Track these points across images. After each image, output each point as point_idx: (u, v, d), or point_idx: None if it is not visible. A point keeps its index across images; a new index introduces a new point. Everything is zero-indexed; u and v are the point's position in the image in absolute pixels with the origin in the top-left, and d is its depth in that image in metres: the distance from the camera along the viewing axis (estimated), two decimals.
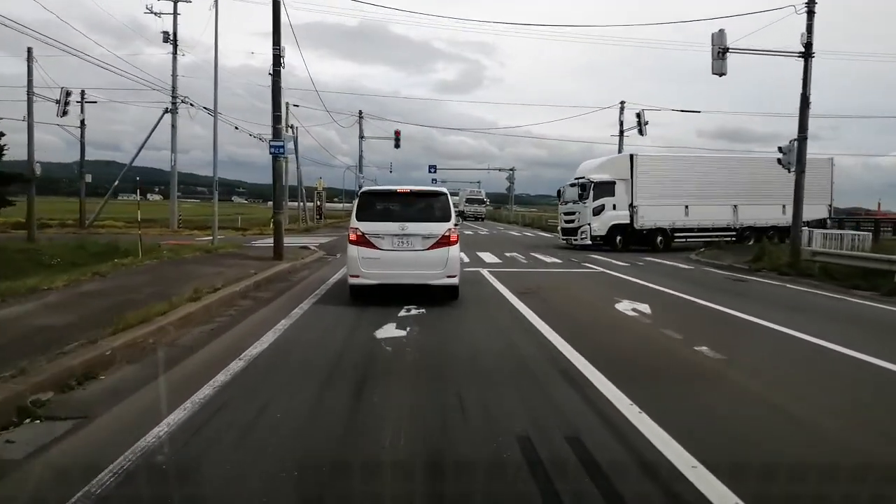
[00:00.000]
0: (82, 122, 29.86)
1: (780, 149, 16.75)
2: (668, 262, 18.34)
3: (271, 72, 15.11)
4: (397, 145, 36.46)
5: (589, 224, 22.60)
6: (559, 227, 25.41)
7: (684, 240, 23.64)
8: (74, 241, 20.71)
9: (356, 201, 10.10)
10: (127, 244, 17.85)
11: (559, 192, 25.47)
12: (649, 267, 16.66)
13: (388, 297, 9.70)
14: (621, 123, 32.02)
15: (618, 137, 32.14)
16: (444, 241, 9.43)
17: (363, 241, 9.44)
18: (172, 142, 29.17)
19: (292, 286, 11.34)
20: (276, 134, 15.05)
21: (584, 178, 23.37)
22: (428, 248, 9.39)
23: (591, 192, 22.74)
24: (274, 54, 15.07)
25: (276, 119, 15.09)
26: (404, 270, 9.42)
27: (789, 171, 16.59)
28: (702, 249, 21.76)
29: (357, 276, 9.48)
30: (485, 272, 13.89)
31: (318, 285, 11.42)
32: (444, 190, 10.08)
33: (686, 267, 17.14)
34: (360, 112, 39.67)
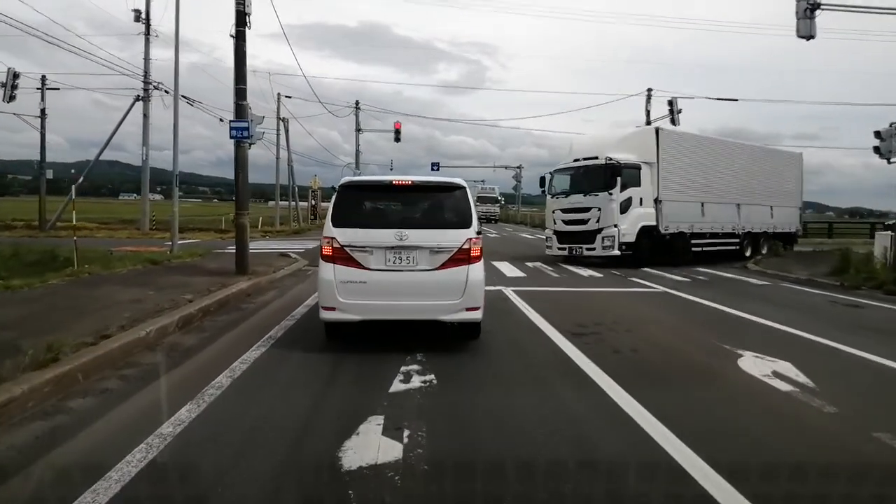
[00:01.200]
0: (42, 111, 26.42)
1: (877, 134, 13.31)
2: (730, 276, 14.90)
3: (233, 33, 11.74)
4: (397, 139, 33.03)
5: (616, 226, 15.82)
6: (550, 231, 17.59)
7: (700, 248, 17.77)
8: (11, 248, 17.40)
9: (332, 198, 6.71)
10: (77, 250, 14.60)
11: (544, 179, 17.99)
12: (716, 283, 13.21)
13: (377, 338, 6.49)
14: (648, 114, 28.60)
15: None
16: (461, 258, 6.16)
17: (342, 256, 6.18)
18: (144, 133, 25.76)
19: (243, 320, 7.94)
20: (240, 112, 11.65)
21: (605, 158, 16.03)
22: (438, 268, 6.15)
23: (620, 180, 15.93)
24: (237, 10, 11.72)
25: (240, 93, 11.69)
26: (403, 300, 6.17)
27: (889, 161, 13.15)
28: (759, 257, 18.35)
29: (332, 309, 6.21)
30: (509, 292, 10.47)
31: (280, 317, 8.01)
32: (462, 182, 6.68)
33: (758, 282, 13.69)
34: (357, 102, 36.25)
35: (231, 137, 11.50)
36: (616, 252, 15.84)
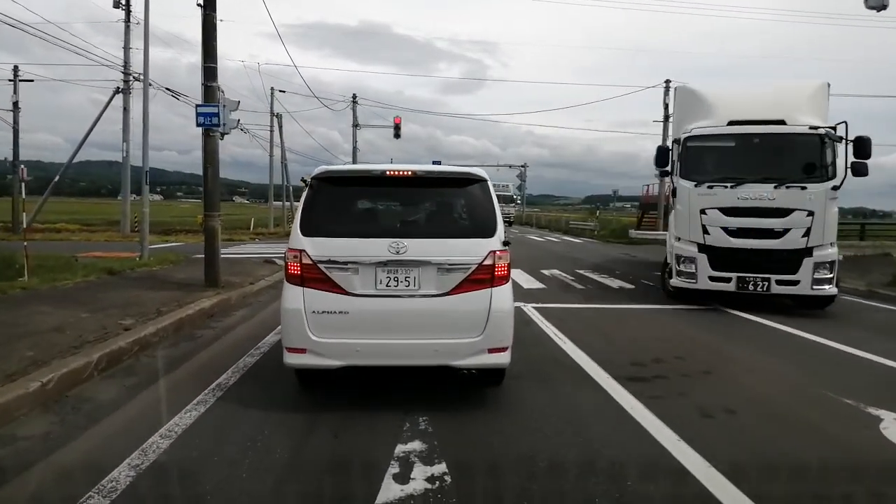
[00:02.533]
0: (15, 104, 24.62)
1: None
2: None
3: (201, 1, 9.90)
4: (397, 135, 31.18)
5: (833, 244, 9.27)
6: (692, 247, 9.74)
7: None
8: None
9: (303, 196, 4.87)
10: (43, 255, 12.93)
11: (666, 153, 10.55)
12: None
13: (363, 386, 4.70)
14: (666, 107, 26.72)
15: (661, 123, 26.81)
16: (483, 278, 4.40)
17: (316, 277, 4.40)
18: (124, 130, 23.91)
19: (191, 355, 6.09)
20: (208, 95, 9.81)
21: (809, 125, 9.25)
22: (450, 292, 4.37)
23: (834, 160, 9.22)
24: None
25: (209, 73, 9.85)
26: (400, 338, 4.39)
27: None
28: None
29: (301, 351, 4.40)
30: (531, 311, 8.68)
31: (242, 351, 6.18)
32: (482, 173, 4.86)
33: None
34: (354, 96, 34.45)
35: (198, 125, 9.67)
36: (833, 290, 9.15)
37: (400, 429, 4.03)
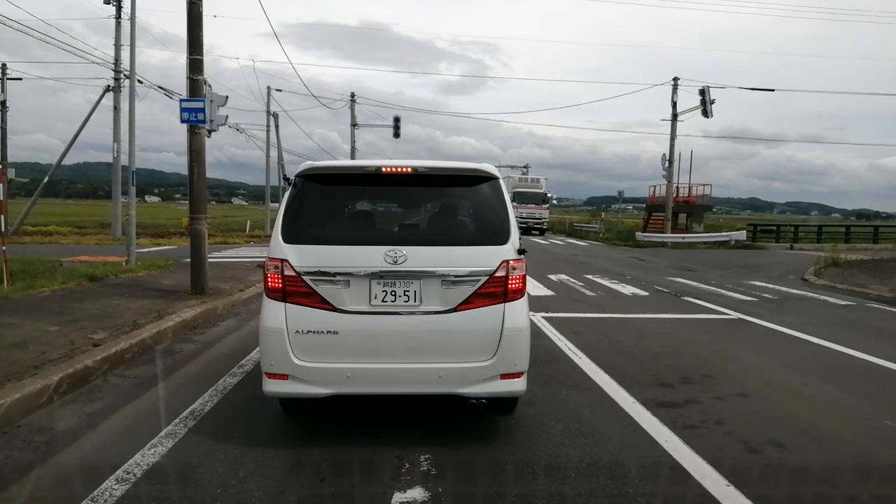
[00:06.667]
0: (3, 102, 23.98)
1: None
2: (796, 292, 12.43)
3: None
4: (397, 134, 30.58)
5: None
6: None
7: None
8: None
9: (285, 196, 4.23)
10: (27, 260, 12.41)
11: None
12: (790, 304, 10.69)
13: (353, 414, 4.16)
14: (674, 105, 26.12)
15: (670, 122, 26.17)
16: (494, 291, 3.80)
17: (300, 291, 3.78)
18: (115, 129, 23.27)
19: (168, 374, 5.47)
20: (194, 89, 9.21)
21: None
22: (456, 309, 3.76)
23: None
24: None
25: (194, 66, 9.25)
26: (398, 362, 3.77)
27: None
28: (817, 268, 15.85)
29: (282, 377, 3.77)
30: (542, 321, 8.06)
31: (224, 368, 5.57)
32: (493, 169, 4.24)
33: (839, 302, 11.16)
34: (353, 94, 33.85)
35: (182, 121, 9.07)
36: None
37: (397, 470, 3.43)
